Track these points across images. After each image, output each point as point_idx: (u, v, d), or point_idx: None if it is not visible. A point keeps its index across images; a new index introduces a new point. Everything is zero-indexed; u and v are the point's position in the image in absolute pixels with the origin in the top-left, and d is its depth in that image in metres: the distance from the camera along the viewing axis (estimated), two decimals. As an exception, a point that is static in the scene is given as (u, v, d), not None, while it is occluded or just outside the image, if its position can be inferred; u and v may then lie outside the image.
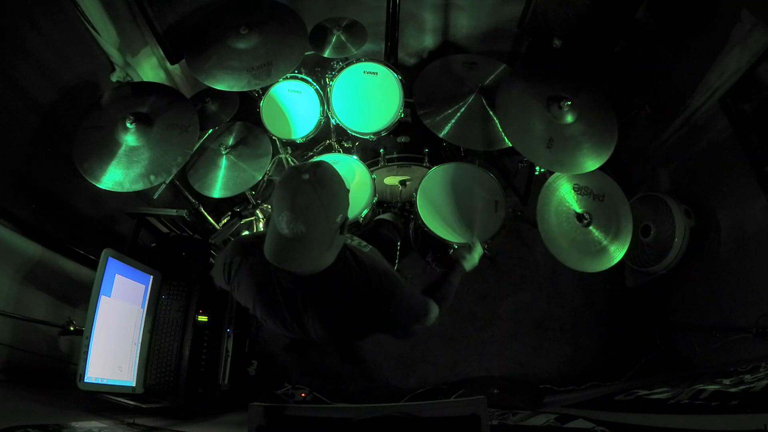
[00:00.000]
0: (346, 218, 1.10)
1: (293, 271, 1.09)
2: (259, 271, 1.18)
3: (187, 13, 2.20)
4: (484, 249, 2.35)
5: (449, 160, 2.27)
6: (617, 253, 2.02)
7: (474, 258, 1.69)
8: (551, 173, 2.11)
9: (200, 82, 2.05)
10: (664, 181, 2.63)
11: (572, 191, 2.09)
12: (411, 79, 2.28)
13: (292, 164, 2.68)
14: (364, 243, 1.38)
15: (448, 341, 2.68)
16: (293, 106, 2.35)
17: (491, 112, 2.15)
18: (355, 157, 2.23)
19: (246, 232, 2.56)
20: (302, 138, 2.30)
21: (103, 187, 1.77)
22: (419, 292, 1.37)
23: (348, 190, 1.12)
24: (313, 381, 2.55)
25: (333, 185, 1.05)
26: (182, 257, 2.11)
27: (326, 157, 2.22)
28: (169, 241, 2.20)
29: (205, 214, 2.37)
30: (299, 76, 2.35)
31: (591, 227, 2.03)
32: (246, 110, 2.31)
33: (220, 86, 2.01)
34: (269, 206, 2.66)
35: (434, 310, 1.39)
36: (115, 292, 1.74)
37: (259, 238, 1.19)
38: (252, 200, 2.53)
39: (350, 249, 1.21)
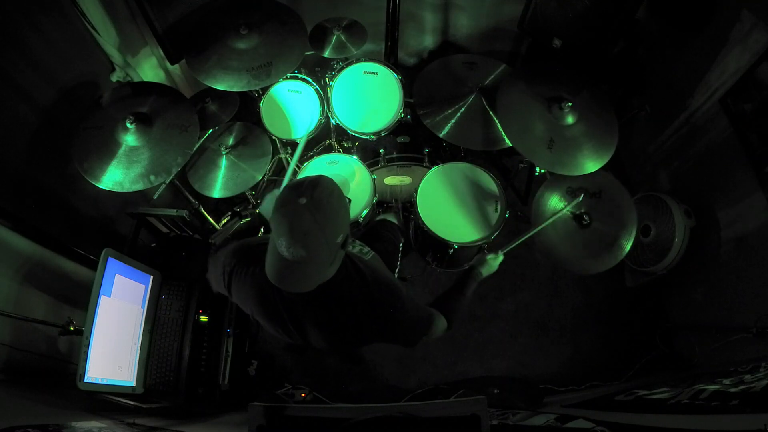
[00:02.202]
0: (348, 234, 1.08)
1: (296, 291, 1.08)
2: (260, 281, 1.16)
3: (187, 13, 2.21)
4: (484, 249, 2.36)
5: (449, 160, 2.27)
6: (626, 244, 1.99)
7: (494, 265, 1.67)
8: (551, 174, 2.10)
9: (200, 82, 2.05)
10: (664, 181, 2.63)
11: (564, 198, 2.06)
12: (411, 79, 2.28)
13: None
14: (366, 249, 1.37)
15: (448, 341, 2.68)
16: (293, 106, 2.35)
17: (491, 112, 2.15)
18: (355, 157, 2.23)
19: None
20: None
21: (103, 187, 1.77)
22: (422, 304, 1.34)
23: (350, 201, 1.10)
24: (313, 381, 2.55)
25: (332, 206, 1.01)
26: (182, 257, 2.11)
27: (326, 157, 2.22)
28: (169, 241, 2.21)
29: (205, 214, 2.37)
30: (299, 76, 2.35)
31: (593, 225, 2.02)
32: (246, 110, 2.31)
33: (220, 86, 2.01)
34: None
35: (441, 323, 1.35)
36: (115, 292, 1.74)
37: (260, 245, 1.17)
38: (252, 200, 2.53)
39: (352, 259, 1.19)
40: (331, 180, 1.06)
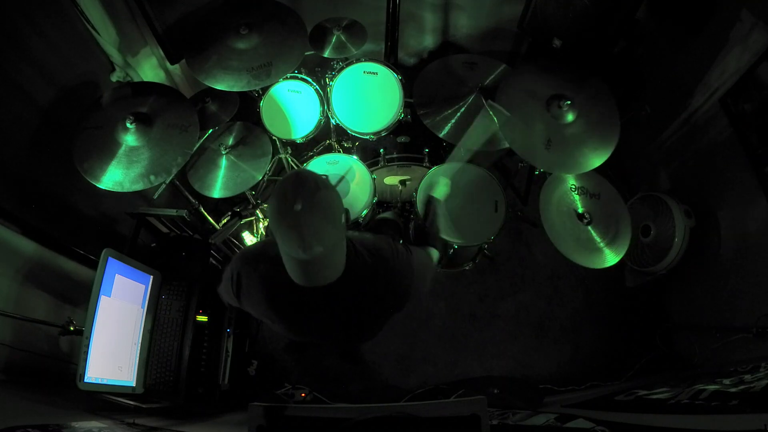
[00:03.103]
0: (347, 210, 1.10)
1: (329, 282, 1.10)
2: (269, 283, 1.17)
3: (187, 13, 2.20)
4: (484, 249, 2.36)
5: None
6: (619, 251, 2.01)
7: (441, 188, 1.72)
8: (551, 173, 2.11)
9: (200, 82, 2.05)
10: (664, 181, 2.63)
11: (569, 192, 2.08)
12: (411, 79, 2.28)
13: (292, 166, 2.68)
14: (368, 234, 1.37)
15: (448, 341, 2.68)
16: (293, 106, 2.35)
17: (491, 112, 2.15)
18: (355, 157, 2.23)
19: (246, 233, 2.56)
20: (302, 138, 2.30)
21: (103, 187, 1.77)
22: (419, 248, 1.36)
23: (334, 182, 1.11)
24: (313, 381, 2.55)
25: (325, 197, 1.01)
26: (182, 257, 2.11)
27: (326, 158, 2.22)
28: (169, 241, 2.21)
29: (205, 214, 2.37)
30: (299, 76, 2.35)
31: (590, 227, 2.03)
32: (246, 110, 2.31)
33: (220, 86, 2.01)
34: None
35: (434, 254, 1.41)
36: (115, 292, 1.74)
37: (265, 245, 1.18)
38: (252, 200, 2.53)
39: (353, 242, 1.19)
40: (309, 172, 1.05)
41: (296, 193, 0.99)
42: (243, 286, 1.22)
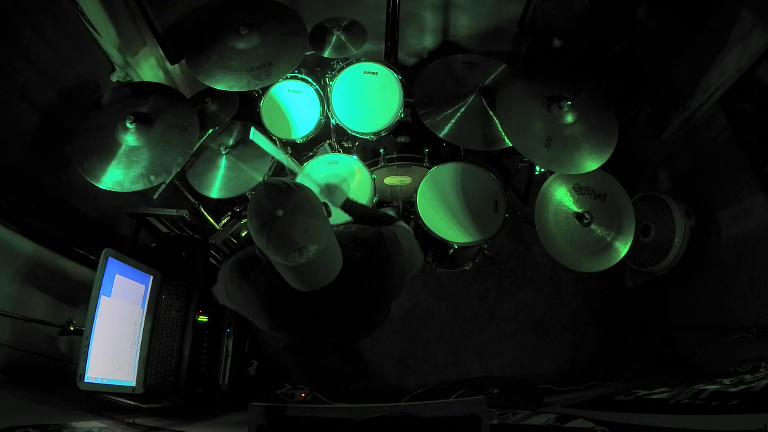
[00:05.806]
0: (326, 204, 1.10)
1: (333, 279, 1.10)
2: (264, 294, 1.17)
3: (187, 13, 2.20)
4: (484, 249, 2.36)
5: (449, 160, 2.27)
6: (621, 250, 2.01)
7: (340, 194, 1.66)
8: (551, 173, 2.11)
9: (200, 82, 2.05)
10: (664, 181, 2.63)
11: (571, 192, 2.08)
12: (411, 79, 2.28)
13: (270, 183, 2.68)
14: (353, 227, 1.37)
15: (448, 341, 2.68)
16: (293, 106, 2.35)
17: (491, 112, 2.16)
18: (355, 157, 2.23)
19: (246, 233, 2.56)
20: (302, 138, 2.30)
21: (103, 187, 1.77)
22: (393, 227, 1.32)
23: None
24: (313, 381, 2.55)
25: (301, 196, 1.01)
26: (182, 257, 2.11)
27: (326, 158, 2.22)
28: (169, 241, 2.20)
29: (205, 214, 2.37)
30: (299, 76, 2.35)
31: (592, 226, 2.03)
32: (246, 110, 2.31)
33: (220, 86, 2.01)
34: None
35: (405, 225, 1.37)
36: (115, 292, 1.74)
37: (254, 254, 1.17)
38: (252, 200, 2.53)
39: (339, 238, 1.18)
40: (275, 178, 1.06)
41: (272, 200, 0.98)
42: (238, 299, 1.22)
